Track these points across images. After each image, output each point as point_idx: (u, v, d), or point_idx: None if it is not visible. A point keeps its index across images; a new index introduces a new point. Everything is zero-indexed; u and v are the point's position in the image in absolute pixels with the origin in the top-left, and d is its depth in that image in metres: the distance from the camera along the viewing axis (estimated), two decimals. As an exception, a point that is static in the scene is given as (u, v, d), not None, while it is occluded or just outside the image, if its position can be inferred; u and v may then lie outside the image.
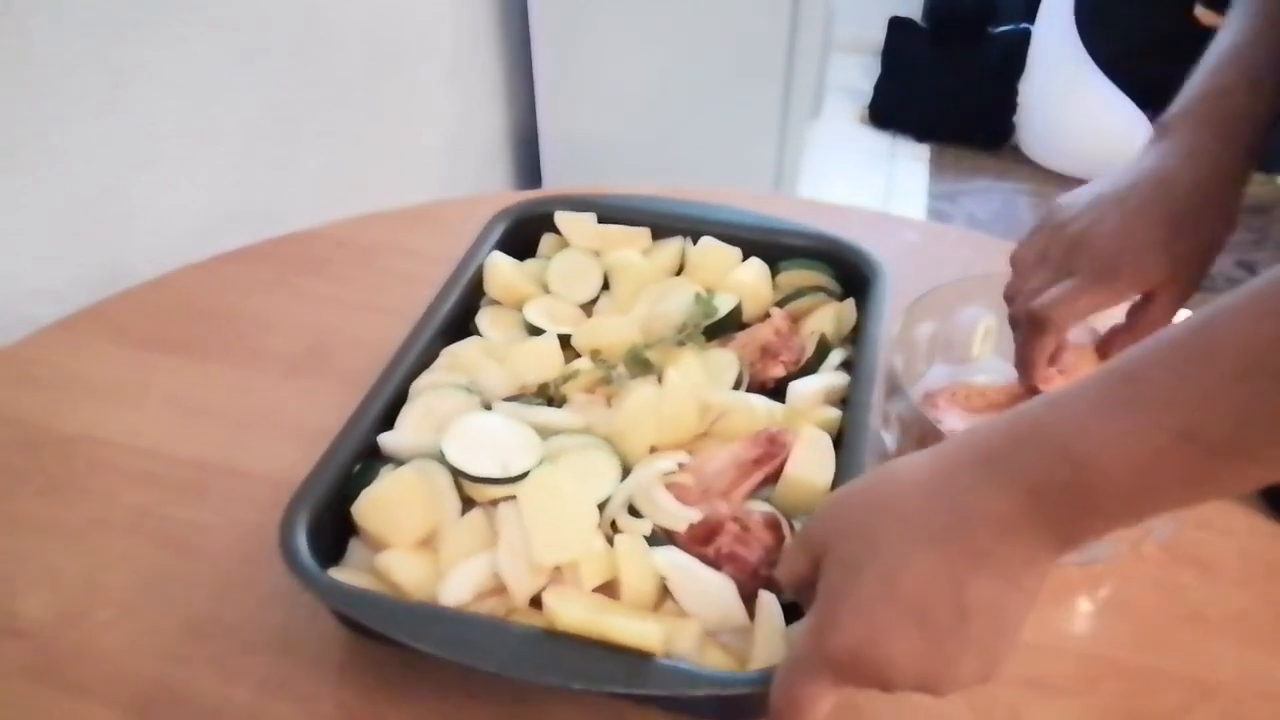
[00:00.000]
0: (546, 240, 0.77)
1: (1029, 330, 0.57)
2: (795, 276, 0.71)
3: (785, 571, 0.45)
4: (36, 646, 0.55)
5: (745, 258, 0.72)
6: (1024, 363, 0.58)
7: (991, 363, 0.68)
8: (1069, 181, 2.43)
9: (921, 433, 0.57)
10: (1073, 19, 2.23)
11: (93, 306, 0.81)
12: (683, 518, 0.53)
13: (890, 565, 0.38)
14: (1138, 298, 0.56)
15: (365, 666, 0.54)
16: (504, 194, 0.93)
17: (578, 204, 0.77)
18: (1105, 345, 0.60)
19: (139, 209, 0.97)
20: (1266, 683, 0.53)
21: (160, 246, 0.98)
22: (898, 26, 2.57)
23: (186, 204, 1.04)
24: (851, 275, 0.71)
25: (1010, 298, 0.60)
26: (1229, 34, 0.57)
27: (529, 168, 1.93)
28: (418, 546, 0.53)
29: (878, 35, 2.62)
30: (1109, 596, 0.58)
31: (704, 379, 0.63)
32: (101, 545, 0.61)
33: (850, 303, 0.69)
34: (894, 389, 0.60)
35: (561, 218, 0.76)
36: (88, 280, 0.90)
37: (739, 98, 1.70)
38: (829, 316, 0.68)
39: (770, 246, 0.73)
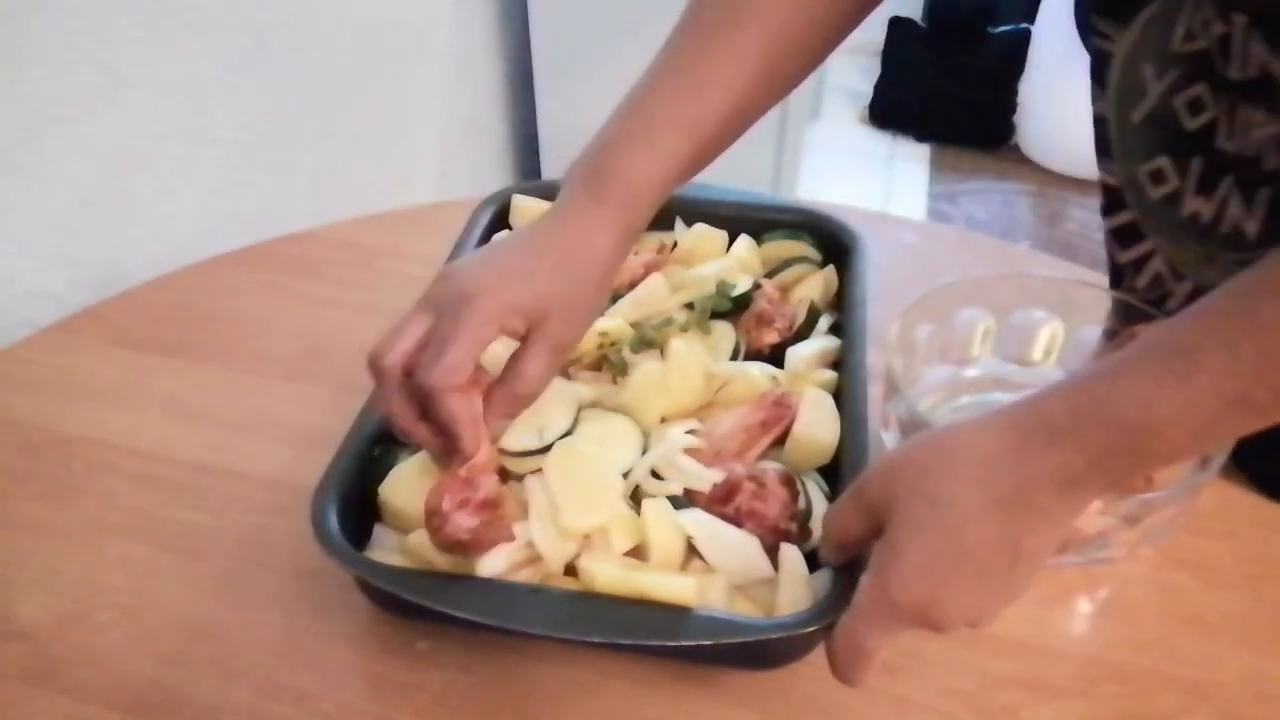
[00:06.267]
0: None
1: (427, 402, 0.50)
2: (779, 248, 0.74)
3: (837, 529, 0.48)
4: (35, 648, 0.55)
5: (730, 233, 0.75)
6: (449, 428, 0.50)
7: (990, 364, 0.68)
8: (1069, 181, 2.44)
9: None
10: (1073, 19, 2.23)
11: (91, 308, 0.81)
12: (707, 479, 0.55)
13: (957, 526, 0.42)
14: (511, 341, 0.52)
15: (365, 667, 0.54)
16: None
17: None
18: (487, 397, 0.52)
19: (137, 211, 0.97)
20: (1265, 684, 0.53)
21: (159, 248, 0.98)
22: (897, 26, 2.57)
23: (185, 205, 1.04)
24: (830, 244, 0.74)
25: (377, 356, 0.50)
26: (648, 75, 0.55)
27: (529, 168, 1.93)
28: None
29: (877, 35, 2.62)
30: (1108, 598, 0.58)
31: (704, 349, 0.65)
32: (100, 547, 0.61)
33: (831, 269, 0.72)
34: (893, 390, 0.60)
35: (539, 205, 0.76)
36: (86, 282, 0.90)
37: (738, 98, 1.69)
38: (815, 284, 0.71)
39: (753, 221, 0.76)
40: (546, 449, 0.55)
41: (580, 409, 0.59)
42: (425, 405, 0.50)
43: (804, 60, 0.57)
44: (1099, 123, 0.63)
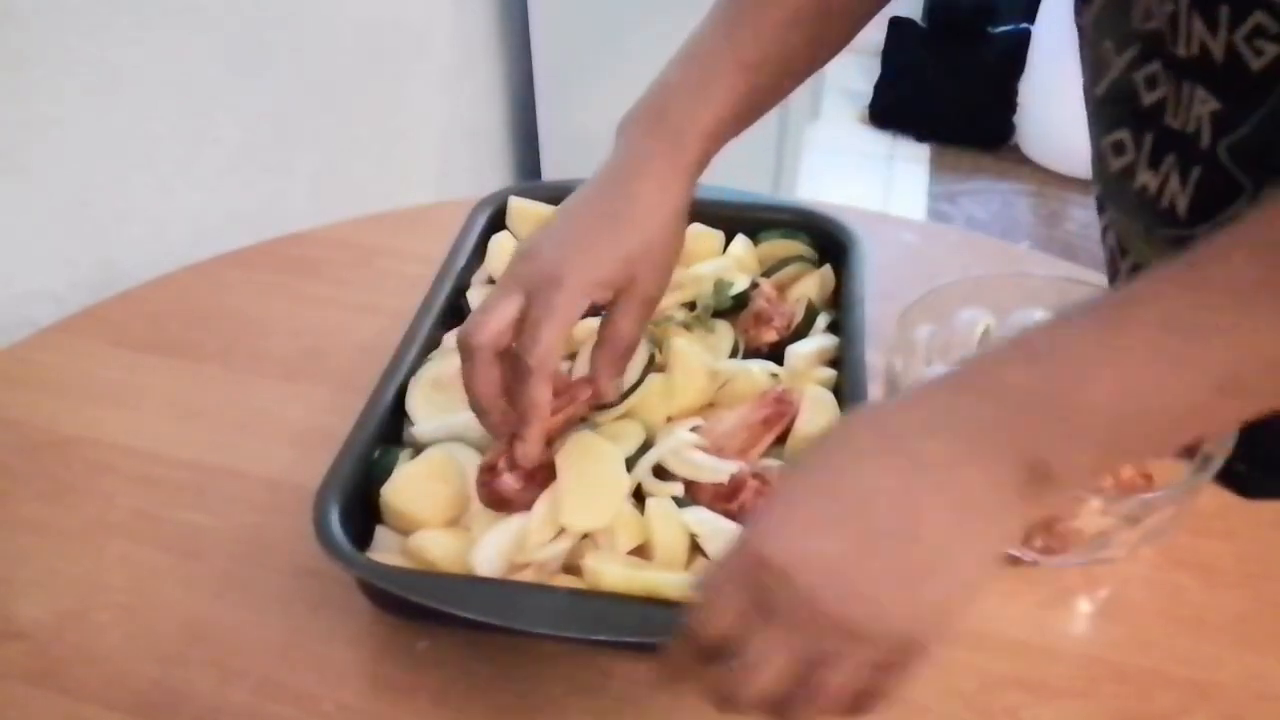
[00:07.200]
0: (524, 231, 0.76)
1: (517, 380, 0.51)
2: (775, 247, 0.74)
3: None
4: (35, 648, 0.55)
5: (726, 232, 0.75)
6: (526, 412, 0.51)
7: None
8: (1069, 181, 2.43)
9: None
10: (1072, 19, 2.23)
11: (91, 308, 0.81)
12: (724, 470, 0.55)
13: (836, 467, 0.37)
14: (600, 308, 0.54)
15: (365, 667, 0.54)
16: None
17: (562, 193, 0.77)
18: (594, 362, 0.55)
19: (137, 211, 0.98)
20: (1265, 685, 0.53)
21: (158, 248, 0.98)
22: (897, 26, 2.57)
23: (184, 206, 1.04)
24: (826, 243, 0.74)
25: (467, 334, 0.51)
26: (701, 27, 0.58)
27: (529, 169, 1.93)
28: (449, 526, 0.55)
29: (877, 35, 2.61)
30: (1108, 598, 0.58)
31: (705, 348, 0.65)
32: (99, 547, 0.61)
33: (827, 268, 0.72)
34: (894, 390, 0.60)
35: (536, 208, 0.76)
36: (86, 282, 0.90)
37: (738, 98, 1.70)
38: (812, 283, 0.71)
39: (749, 221, 0.75)
40: (623, 398, 0.58)
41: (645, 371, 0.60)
42: (509, 386, 0.52)
43: (850, 23, 0.60)
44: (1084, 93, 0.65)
